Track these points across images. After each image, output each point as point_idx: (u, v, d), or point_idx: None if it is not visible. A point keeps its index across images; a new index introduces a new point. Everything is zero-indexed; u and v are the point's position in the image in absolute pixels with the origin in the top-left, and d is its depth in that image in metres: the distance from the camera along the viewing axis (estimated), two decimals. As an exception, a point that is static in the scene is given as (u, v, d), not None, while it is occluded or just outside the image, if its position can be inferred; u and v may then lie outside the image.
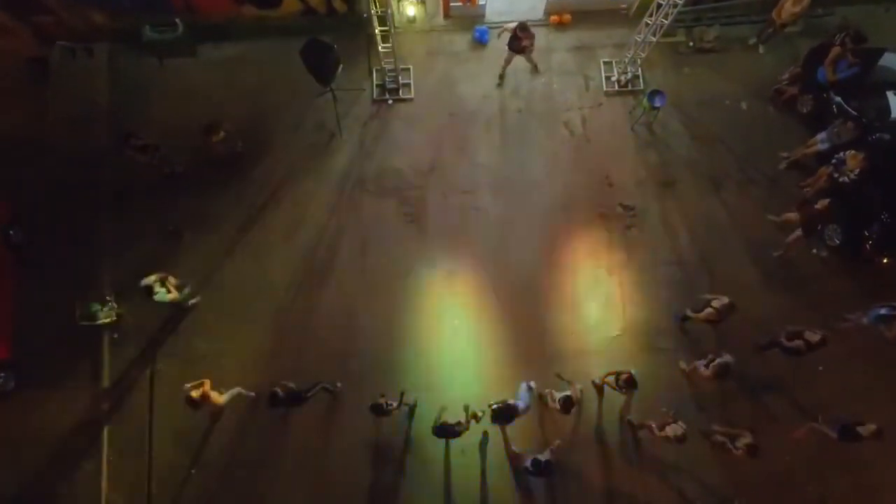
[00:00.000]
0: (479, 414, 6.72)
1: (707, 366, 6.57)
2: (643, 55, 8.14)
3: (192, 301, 7.70)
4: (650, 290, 7.94)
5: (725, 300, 6.64)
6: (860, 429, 6.13)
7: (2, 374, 7.28)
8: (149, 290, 6.71)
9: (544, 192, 8.40)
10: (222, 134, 7.75)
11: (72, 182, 8.12)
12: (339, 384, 7.32)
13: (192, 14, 8.40)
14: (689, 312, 7.11)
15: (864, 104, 7.85)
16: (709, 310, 6.72)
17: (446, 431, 6.43)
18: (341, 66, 7.18)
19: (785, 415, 7.31)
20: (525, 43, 7.75)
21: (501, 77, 8.79)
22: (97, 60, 8.81)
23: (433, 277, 7.97)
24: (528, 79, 8.96)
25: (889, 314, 6.74)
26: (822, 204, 6.95)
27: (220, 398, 6.59)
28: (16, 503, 7.02)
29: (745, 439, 6.19)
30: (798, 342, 6.65)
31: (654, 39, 7.66)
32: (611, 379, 6.78)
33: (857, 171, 7.27)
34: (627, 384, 6.42)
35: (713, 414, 7.27)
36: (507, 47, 8.07)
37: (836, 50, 7.65)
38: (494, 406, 6.45)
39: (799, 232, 7.31)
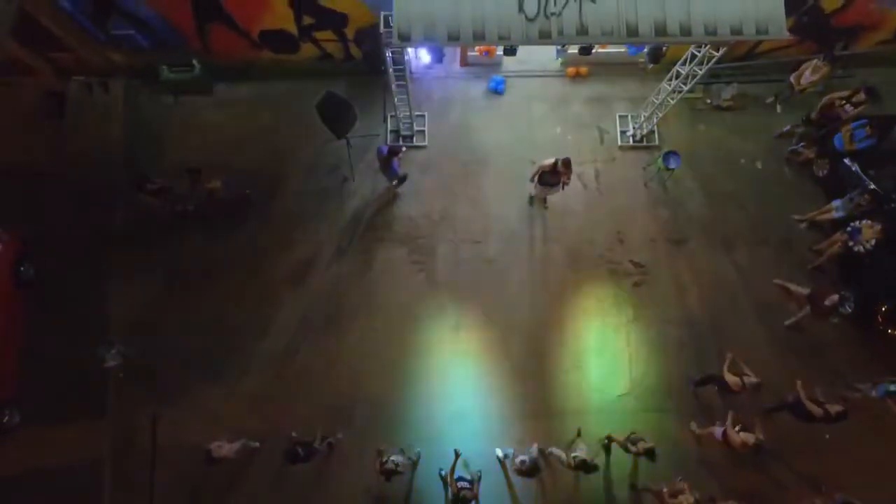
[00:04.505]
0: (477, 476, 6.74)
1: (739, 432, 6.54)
2: (660, 115, 8.10)
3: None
4: (657, 349, 7.88)
5: (755, 380, 6.65)
6: None
7: (7, 410, 7.30)
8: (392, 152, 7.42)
9: (554, 246, 8.35)
10: (218, 184, 7.75)
11: (83, 218, 8.14)
12: (339, 435, 7.29)
13: (210, 56, 8.42)
14: (725, 373, 6.83)
15: (880, 173, 7.76)
16: (737, 380, 6.69)
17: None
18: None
19: (791, 482, 7.22)
20: (564, 179, 7.36)
21: (532, 200, 8.44)
22: (113, 96, 8.83)
23: (440, 327, 7.95)
24: (543, 130, 8.91)
25: (898, 389, 6.70)
26: (831, 300, 6.95)
27: (231, 451, 6.65)
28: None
29: None
30: (816, 407, 6.55)
31: (672, 102, 7.62)
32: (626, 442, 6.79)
33: (872, 241, 7.24)
34: (646, 454, 6.47)
35: (721, 478, 7.17)
36: (537, 183, 7.66)
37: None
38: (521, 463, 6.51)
39: (808, 310, 7.33)
